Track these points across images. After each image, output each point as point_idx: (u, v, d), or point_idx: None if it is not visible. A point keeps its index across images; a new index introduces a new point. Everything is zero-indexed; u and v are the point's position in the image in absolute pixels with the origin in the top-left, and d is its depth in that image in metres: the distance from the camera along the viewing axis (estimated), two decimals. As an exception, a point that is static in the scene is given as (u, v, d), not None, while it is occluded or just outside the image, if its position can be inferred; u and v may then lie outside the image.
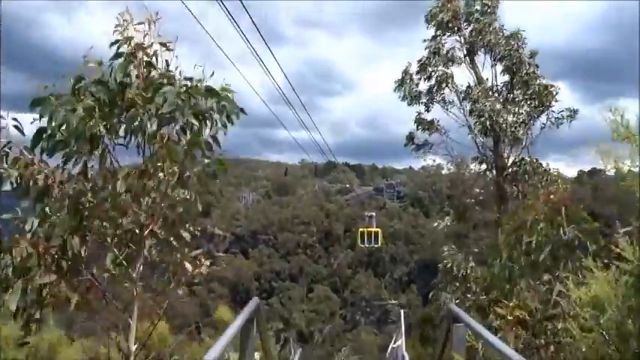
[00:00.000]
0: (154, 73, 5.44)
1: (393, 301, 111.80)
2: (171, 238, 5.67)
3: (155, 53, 5.45)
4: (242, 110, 5.70)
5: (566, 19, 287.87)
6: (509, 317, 7.01)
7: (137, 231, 5.49)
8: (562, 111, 17.95)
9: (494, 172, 18.93)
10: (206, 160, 5.57)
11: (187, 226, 5.89)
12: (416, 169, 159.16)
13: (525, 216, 8.30)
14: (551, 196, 8.33)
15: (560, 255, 7.69)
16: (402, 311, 24.09)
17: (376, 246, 26.19)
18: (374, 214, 26.75)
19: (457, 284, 15.73)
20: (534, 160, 18.14)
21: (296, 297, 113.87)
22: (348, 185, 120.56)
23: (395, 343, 15.05)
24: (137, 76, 5.24)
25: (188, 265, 5.91)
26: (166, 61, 5.53)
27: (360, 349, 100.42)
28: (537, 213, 8.12)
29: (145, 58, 5.36)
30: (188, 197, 5.55)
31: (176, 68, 5.52)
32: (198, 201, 5.70)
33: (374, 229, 25.21)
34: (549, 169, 18.20)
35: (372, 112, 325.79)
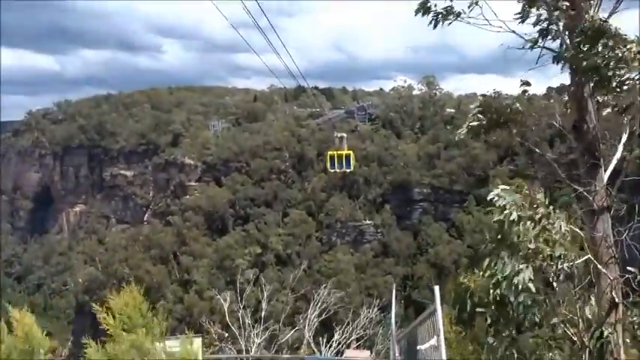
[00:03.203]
0: None
1: (368, 221, 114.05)
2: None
3: None
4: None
5: None
6: None
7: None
8: None
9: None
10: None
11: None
12: (387, 90, 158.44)
13: None
14: None
15: None
16: (393, 286, 22.80)
17: (348, 170, 23.73)
18: (345, 135, 24.64)
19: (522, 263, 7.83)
20: None
21: (272, 222, 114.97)
22: (318, 109, 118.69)
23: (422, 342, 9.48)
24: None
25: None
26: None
27: (337, 269, 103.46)
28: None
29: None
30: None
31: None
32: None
33: (345, 152, 22.70)
34: None
35: (338, 33, 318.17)
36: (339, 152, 22.77)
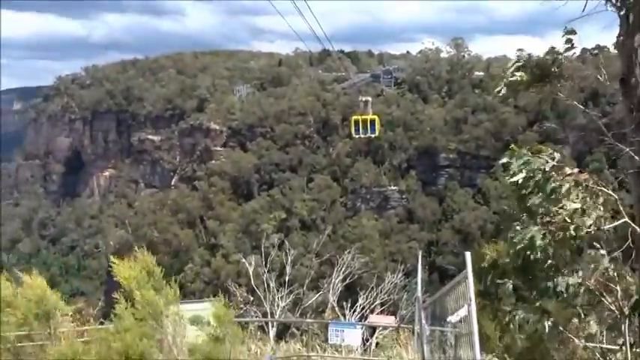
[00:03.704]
0: None
1: (393, 187, 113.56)
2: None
3: None
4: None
5: None
6: None
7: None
8: None
9: None
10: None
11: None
12: (414, 53, 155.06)
13: None
14: None
15: None
16: (419, 252, 22.20)
17: (373, 135, 22.81)
18: (370, 99, 23.74)
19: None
20: None
21: (296, 187, 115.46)
22: (344, 73, 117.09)
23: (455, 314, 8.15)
24: None
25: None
26: None
27: (361, 235, 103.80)
28: None
29: None
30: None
31: None
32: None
33: (370, 117, 21.61)
34: None
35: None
36: (363, 117, 21.95)
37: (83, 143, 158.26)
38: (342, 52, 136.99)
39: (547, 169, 7.18)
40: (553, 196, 7.09)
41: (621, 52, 7.94)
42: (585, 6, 7.87)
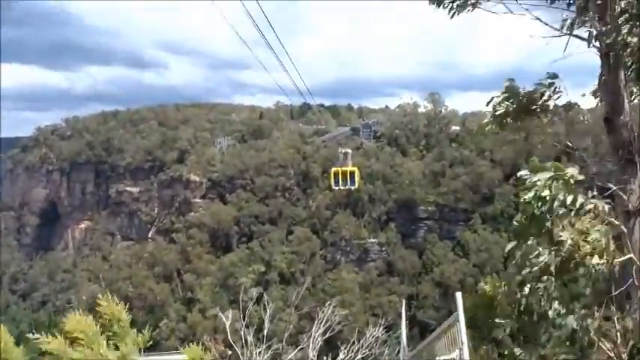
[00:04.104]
0: None
1: (373, 239, 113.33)
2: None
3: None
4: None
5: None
6: None
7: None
8: None
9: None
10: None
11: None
12: (392, 107, 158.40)
13: None
14: None
15: None
16: (403, 302, 21.57)
17: (353, 187, 22.75)
18: (349, 151, 23.71)
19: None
20: None
21: (276, 240, 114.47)
22: (324, 126, 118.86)
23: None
24: None
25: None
26: None
27: (341, 288, 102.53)
28: None
29: None
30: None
31: None
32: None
33: (349, 169, 21.90)
34: None
35: (343, 52, 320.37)
36: (343, 169, 22.15)
37: (60, 195, 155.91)
38: (322, 105, 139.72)
39: (569, 190, 6.60)
40: (573, 220, 6.65)
41: (604, 92, 8.14)
42: (566, 46, 8.23)
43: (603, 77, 8.00)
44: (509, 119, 9.01)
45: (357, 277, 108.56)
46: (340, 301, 67.46)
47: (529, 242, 6.88)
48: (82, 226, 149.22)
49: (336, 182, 22.34)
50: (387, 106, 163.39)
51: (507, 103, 8.90)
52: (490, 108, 9.01)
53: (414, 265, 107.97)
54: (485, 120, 9.18)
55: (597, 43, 7.87)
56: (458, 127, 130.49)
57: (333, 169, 22.65)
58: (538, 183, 6.65)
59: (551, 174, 6.69)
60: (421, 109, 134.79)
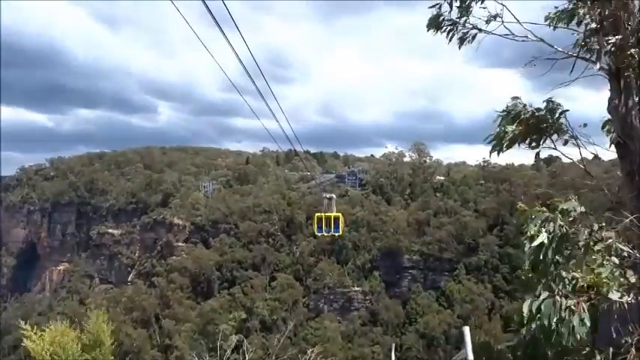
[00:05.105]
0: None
1: (356, 288, 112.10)
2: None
3: None
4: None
5: None
6: None
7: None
8: None
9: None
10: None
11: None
12: (377, 156, 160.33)
13: None
14: None
15: None
16: (392, 346, 21.06)
17: (337, 234, 22.26)
18: (334, 196, 23.34)
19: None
20: None
21: (258, 286, 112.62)
22: (309, 173, 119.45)
23: None
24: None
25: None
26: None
27: (323, 337, 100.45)
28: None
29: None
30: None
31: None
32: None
33: (334, 214, 21.47)
34: None
35: (329, 100, 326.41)
36: (327, 215, 21.77)
37: (40, 236, 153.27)
38: (308, 152, 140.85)
39: (568, 226, 5.97)
40: (579, 259, 6.09)
41: (614, 116, 7.58)
42: (573, 68, 7.67)
43: (613, 101, 7.57)
44: (518, 138, 7.96)
45: (339, 327, 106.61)
46: (322, 350, 65.83)
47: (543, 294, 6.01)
48: (61, 268, 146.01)
49: (319, 229, 22.07)
50: (372, 155, 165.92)
51: (512, 127, 7.89)
52: (495, 129, 8.00)
53: (397, 315, 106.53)
54: (490, 139, 8.01)
55: (605, 65, 7.52)
56: (442, 177, 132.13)
57: (317, 215, 22.34)
58: (532, 230, 6.02)
59: (545, 215, 6.08)
60: (406, 159, 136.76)
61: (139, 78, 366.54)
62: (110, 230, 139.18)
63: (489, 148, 7.95)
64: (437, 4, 8.88)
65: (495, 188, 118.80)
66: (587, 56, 7.75)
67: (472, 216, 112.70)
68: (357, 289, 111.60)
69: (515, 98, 7.98)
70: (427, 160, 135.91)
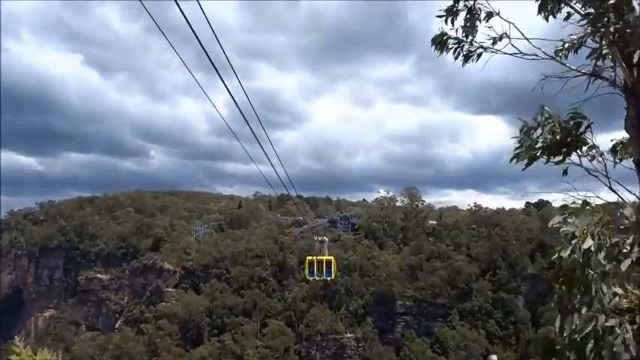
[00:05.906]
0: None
1: (349, 335, 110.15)
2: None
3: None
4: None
5: None
6: None
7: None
8: None
9: None
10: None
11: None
12: (370, 201, 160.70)
13: None
14: None
15: None
16: None
17: (329, 278, 21.70)
18: (326, 239, 22.85)
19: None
20: None
21: (249, 332, 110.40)
22: (302, 217, 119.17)
23: None
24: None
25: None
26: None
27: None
28: None
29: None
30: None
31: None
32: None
33: (326, 258, 21.04)
34: None
35: (320, 144, 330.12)
36: (319, 258, 21.32)
37: (26, 281, 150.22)
38: (300, 197, 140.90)
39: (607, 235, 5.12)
40: (625, 272, 5.33)
41: (632, 133, 7.18)
42: (588, 86, 7.32)
43: (630, 118, 7.11)
44: (548, 150, 7.25)
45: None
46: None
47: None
48: (47, 314, 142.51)
49: (311, 272, 21.56)
50: (364, 200, 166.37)
51: (545, 134, 7.15)
52: (516, 138, 7.30)
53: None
54: (517, 151, 7.32)
55: (621, 81, 7.11)
56: (434, 222, 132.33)
57: (309, 258, 21.82)
58: (575, 232, 5.11)
59: (590, 216, 5.19)
60: (398, 203, 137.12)
61: (131, 122, 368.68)
62: (99, 275, 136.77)
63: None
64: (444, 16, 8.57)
65: (487, 232, 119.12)
66: (601, 70, 7.36)
67: (465, 260, 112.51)
68: (349, 335, 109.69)
69: (543, 107, 7.34)
70: (419, 205, 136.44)
